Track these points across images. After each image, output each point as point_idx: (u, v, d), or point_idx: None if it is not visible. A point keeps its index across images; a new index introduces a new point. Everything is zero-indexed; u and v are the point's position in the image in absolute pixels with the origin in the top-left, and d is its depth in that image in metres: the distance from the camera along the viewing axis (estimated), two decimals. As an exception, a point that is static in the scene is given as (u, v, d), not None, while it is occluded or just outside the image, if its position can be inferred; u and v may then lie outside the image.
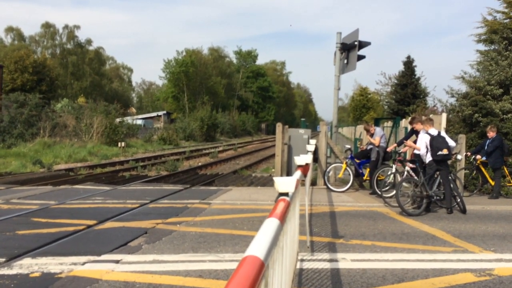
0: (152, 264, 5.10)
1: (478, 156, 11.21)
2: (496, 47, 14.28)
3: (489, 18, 15.07)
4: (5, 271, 4.76)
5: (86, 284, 4.41)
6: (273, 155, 16.14)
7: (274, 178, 3.05)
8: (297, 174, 4.57)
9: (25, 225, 6.85)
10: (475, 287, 4.59)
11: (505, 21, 14.71)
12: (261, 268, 1.53)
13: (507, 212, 9.17)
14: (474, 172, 11.62)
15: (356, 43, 12.32)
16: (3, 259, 5.13)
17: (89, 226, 6.87)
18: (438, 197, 8.84)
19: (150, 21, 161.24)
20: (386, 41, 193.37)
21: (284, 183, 3.03)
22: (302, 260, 5.32)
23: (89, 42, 68.01)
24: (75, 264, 5.03)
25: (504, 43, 13.72)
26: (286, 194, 3.04)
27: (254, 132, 75.70)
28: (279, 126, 12.93)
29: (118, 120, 31.57)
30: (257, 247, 1.65)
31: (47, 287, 4.31)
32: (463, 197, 9.27)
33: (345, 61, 12.89)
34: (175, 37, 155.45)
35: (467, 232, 7.16)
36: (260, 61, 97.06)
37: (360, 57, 12.71)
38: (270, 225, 2.07)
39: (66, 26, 65.80)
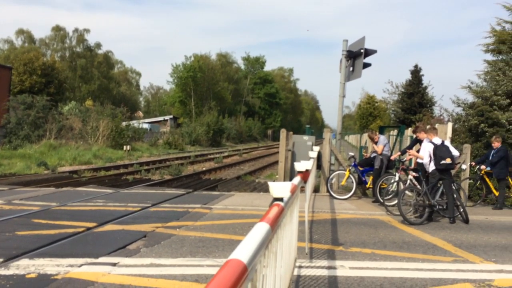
0: (149, 267, 5.09)
1: (483, 166, 11.12)
2: (504, 57, 14.23)
3: (498, 28, 15.03)
4: (2, 271, 4.76)
5: (82, 286, 4.41)
6: (278, 161, 16.13)
7: (269, 183, 3.03)
8: (296, 179, 4.54)
9: (25, 226, 6.87)
10: (474, 298, 4.53)
11: (513, 31, 14.64)
12: (244, 272, 1.51)
13: (511, 223, 9.06)
14: (479, 182, 11.52)
15: (362, 50, 12.30)
16: (1, 259, 5.14)
17: (88, 229, 6.87)
18: (440, 207, 8.77)
19: (161, 26, 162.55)
20: (395, 50, 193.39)
21: (279, 188, 3.01)
22: (300, 267, 5.28)
23: (98, 45, 68.54)
24: (71, 266, 5.02)
25: None
26: (281, 199, 3.03)
27: (260, 138, 75.72)
28: (283, 132, 12.91)
29: (124, 123, 31.71)
30: (241, 251, 1.63)
31: (42, 288, 4.31)
32: (466, 207, 9.19)
33: (351, 69, 12.87)
34: (185, 43, 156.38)
35: (469, 242, 7.08)
36: (268, 67, 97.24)
37: (366, 65, 12.68)
38: (259, 229, 2.05)
39: (76, 30, 66.41)
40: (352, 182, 11.51)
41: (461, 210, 8.86)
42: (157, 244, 6.11)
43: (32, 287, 4.36)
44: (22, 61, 39.67)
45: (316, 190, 12.43)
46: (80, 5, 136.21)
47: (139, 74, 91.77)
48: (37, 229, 6.69)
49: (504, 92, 12.91)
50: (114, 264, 5.12)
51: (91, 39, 70.82)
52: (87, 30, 67.09)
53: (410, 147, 10.78)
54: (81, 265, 5.06)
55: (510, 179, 11.16)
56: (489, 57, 15.08)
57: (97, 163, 21.59)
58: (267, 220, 2.28)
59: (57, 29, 65.67)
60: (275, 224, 2.46)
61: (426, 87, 30.08)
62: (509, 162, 10.90)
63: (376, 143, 11.31)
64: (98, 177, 16.19)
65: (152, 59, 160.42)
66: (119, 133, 28.95)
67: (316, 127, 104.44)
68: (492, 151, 10.95)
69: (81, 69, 63.90)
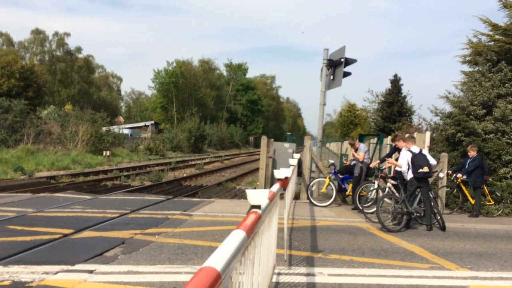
0: (127, 275, 5.03)
1: (459, 175, 11.34)
2: (480, 69, 14.57)
3: (474, 40, 15.41)
4: (-26, 278, 4.65)
5: (57, 294, 4.33)
6: (259, 168, 16.17)
7: (246, 191, 3.04)
8: (275, 187, 4.56)
9: (-1, 232, 6.72)
10: (449, 304, 4.60)
11: (490, 43, 15.05)
12: (217, 280, 1.51)
13: (486, 230, 9.26)
14: (455, 190, 11.75)
15: (342, 60, 12.47)
16: (-27, 267, 5.02)
17: (65, 235, 6.76)
18: (418, 214, 8.90)
19: (143, 31, 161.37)
20: (375, 59, 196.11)
21: (256, 196, 3.02)
22: (279, 274, 5.29)
23: (78, 49, 67.66)
24: (47, 273, 4.93)
25: (488, 64, 14.01)
26: (258, 207, 3.03)
27: (242, 145, 75.68)
28: (264, 140, 12.96)
29: (104, 128, 31.33)
30: (215, 258, 1.64)
31: (16, 296, 4.22)
32: (443, 215, 9.35)
33: (331, 77, 13.02)
34: (167, 48, 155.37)
35: (445, 249, 7.20)
36: (250, 74, 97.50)
37: (346, 74, 12.84)
38: (235, 237, 2.06)
39: (56, 33, 65.44)
40: (332, 189, 11.60)
41: (438, 217, 9.00)
42: (135, 251, 6.05)
43: (5, 295, 4.27)
44: (0, 64, 38.95)
45: (296, 197, 12.48)
46: (60, 9, 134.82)
47: (120, 79, 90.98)
48: (12, 236, 6.55)
49: (480, 102, 13.22)
50: (90, 272, 5.04)
51: (71, 43, 70.00)
52: (68, 34, 66.26)
53: (389, 155, 10.92)
54: (57, 272, 4.97)
55: (485, 188, 11.41)
56: (466, 68, 15.47)
57: (75, 168, 21.27)
58: (244, 227, 2.29)
59: (37, 32, 64.67)
60: (251, 231, 2.46)
61: (405, 96, 30.62)
62: (484, 171, 11.15)
63: (356, 149, 11.44)
64: (77, 183, 15.94)
65: (134, 64, 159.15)
66: (98, 139, 28.58)
67: (298, 135, 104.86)
68: (468, 160, 11.19)
69: (61, 73, 62.96)
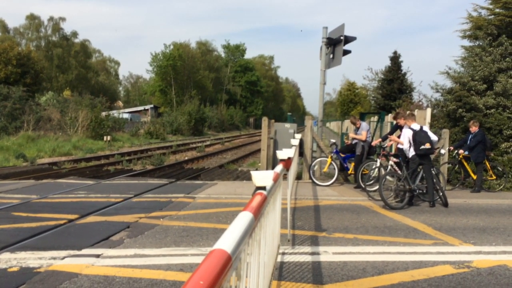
0: (133, 258, 5.08)
1: (461, 151, 11.34)
2: (481, 43, 14.42)
3: (474, 14, 15.21)
4: (-17, 266, 4.69)
5: (65, 278, 4.37)
6: (260, 150, 16.21)
7: (251, 172, 3.04)
8: (279, 168, 4.56)
9: (5, 220, 6.76)
10: (453, 279, 4.65)
11: (490, 17, 14.85)
12: (228, 262, 1.52)
13: (488, 205, 9.31)
14: (457, 166, 11.76)
15: (341, 38, 12.33)
16: (-19, 254, 5.06)
17: (70, 221, 6.80)
18: (420, 191, 8.94)
19: (139, 14, 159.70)
20: (374, 37, 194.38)
21: (261, 177, 3.02)
22: (283, 254, 5.34)
23: (74, 34, 67.08)
24: (54, 258, 4.98)
25: (488, 39, 13.86)
26: (264, 188, 3.04)
27: (242, 127, 75.64)
28: (265, 121, 12.92)
29: (104, 113, 31.25)
30: (225, 241, 1.64)
31: (25, 282, 4.27)
32: (445, 191, 9.39)
33: (331, 56, 12.90)
34: (164, 31, 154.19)
35: (448, 225, 7.25)
36: (248, 55, 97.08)
37: (346, 52, 12.72)
38: (242, 219, 2.06)
39: (51, 18, 64.80)
40: (334, 168, 11.63)
41: (441, 194, 9.04)
42: (140, 234, 6.09)
43: (15, 281, 4.31)
44: (-4, 51, 38.61)
45: (298, 177, 12.51)
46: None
47: (117, 63, 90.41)
48: (17, 222, 6.60)
49: (481, 77, 13.13)
50: (97, 256, 5.09)
51: (67, 28, 69.32)
52: (63, 19, 65.65)
53: (391, 133, 10.92)
54: (64, 257, 5.02)
55: (487, 163, 11.43)
56: (466, 43, 15.32)
57: (77, 154, 21.29)
58: (250, 209, 2.29)
59: (32, 17, 63.99)
60: (258, 213, 2.47)
61: (405, 73, 30.47)
62: (486, 146, 11.15)
63: (358, 128, 11.41)
64: (79, 169, 15.98)
65: (131, 48, 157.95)
66: (99, 124, 28.54)
67: (298, 115, 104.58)
68: (470, 136, 11.17)
69: (58, 58, 62.52)
